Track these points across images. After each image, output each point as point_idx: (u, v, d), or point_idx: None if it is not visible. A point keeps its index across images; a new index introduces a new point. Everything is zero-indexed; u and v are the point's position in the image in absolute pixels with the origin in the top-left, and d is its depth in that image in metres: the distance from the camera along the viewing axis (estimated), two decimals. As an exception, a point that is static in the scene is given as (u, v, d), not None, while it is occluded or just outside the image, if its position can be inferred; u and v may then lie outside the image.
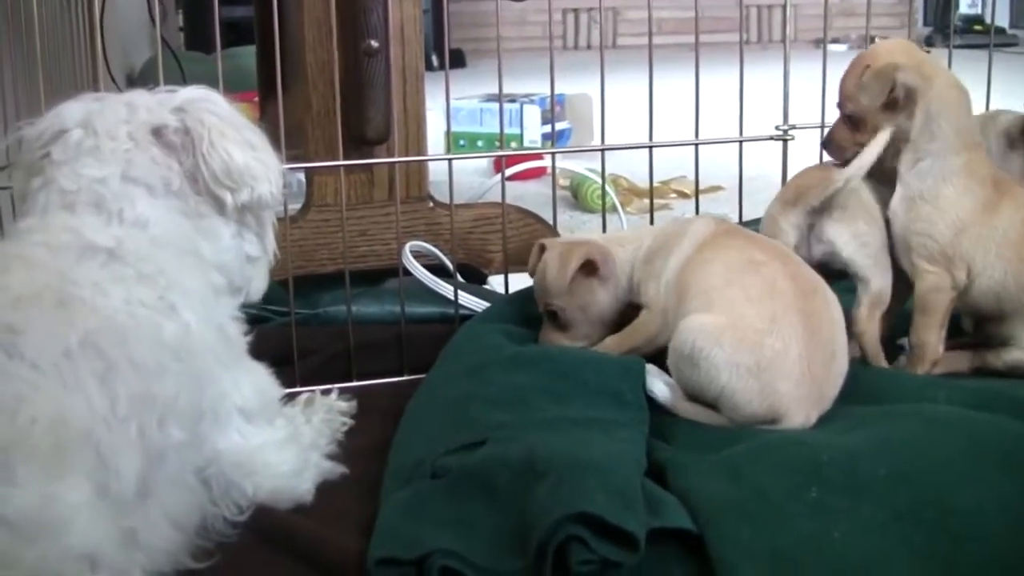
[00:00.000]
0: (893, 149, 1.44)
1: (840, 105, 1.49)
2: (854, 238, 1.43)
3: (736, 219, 1.80)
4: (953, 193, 1.43)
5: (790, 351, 1.24)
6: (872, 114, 1.45)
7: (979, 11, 6.96)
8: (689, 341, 1.27)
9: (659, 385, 1.30)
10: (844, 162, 1.46)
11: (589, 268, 1.45)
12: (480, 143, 3.38)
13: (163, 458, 1.04)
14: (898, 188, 1.45)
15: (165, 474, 1.05)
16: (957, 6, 7.00)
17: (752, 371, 1.23)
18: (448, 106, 1.66)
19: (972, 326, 1.53)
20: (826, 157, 1.54)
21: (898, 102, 1.42)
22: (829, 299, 1.31)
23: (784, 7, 1.92)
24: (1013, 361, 1.45)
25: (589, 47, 7.15)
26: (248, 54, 2.73)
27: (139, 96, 1.20)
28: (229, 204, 1.19)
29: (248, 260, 1.25)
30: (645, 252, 1.45)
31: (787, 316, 1.25)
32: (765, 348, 1.24)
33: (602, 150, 1.76)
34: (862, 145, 1.44)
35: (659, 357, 1.35)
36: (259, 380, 1.22)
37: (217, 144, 1.17)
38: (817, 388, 1.25)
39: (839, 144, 1.49)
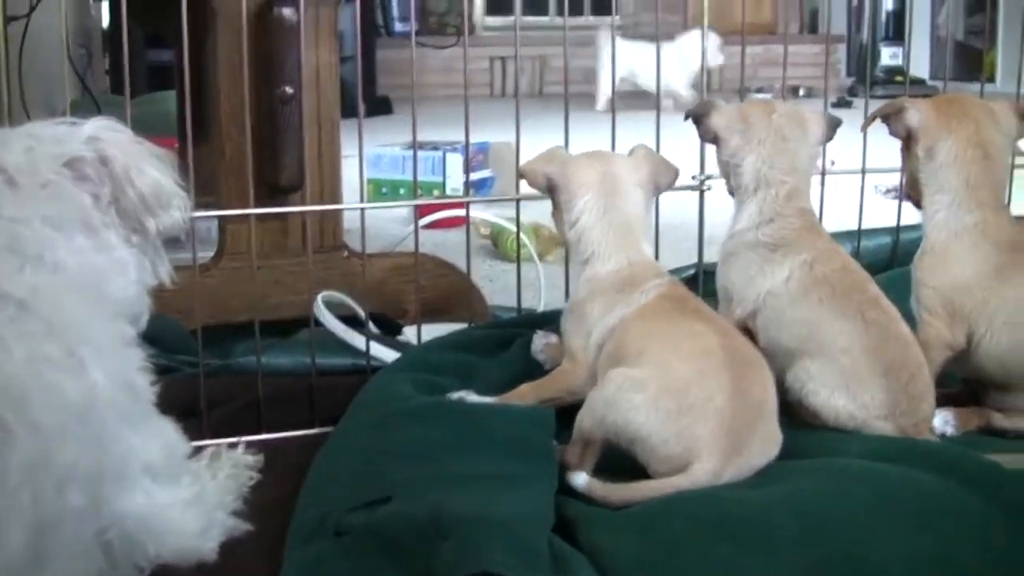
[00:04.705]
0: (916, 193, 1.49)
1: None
2: None
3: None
4: (961, 250, 1.42)
5: (714, 401, 1.22)
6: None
7: (900, 62, 7.09)
8: (612, 386, 1.25)
9: (578, 478, 1.23)
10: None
11: (531, 179, 1.49)
12: (403, 191, 3.37)
13: (59, 525, 1.00)
14: (923, 240, 1.47)
15: (61, 541, 1.00)
16: (878, 57, 7.12)
17: (671, 414, 1.21)
18: (361, 154, 1.64)
19: (980, 390, 1.48)
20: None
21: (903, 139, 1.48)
22: (766, 373, 1.29)
23: (703, 55, 1.94)
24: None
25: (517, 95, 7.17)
26: (174, 99, 2.70)
27: (41, 127, 1.15)
28: (152, 230, 1.16)
29: (145, 288, 1.22)
30: (603, 284, 1.42)
31: (716, 374, 1.24)
32: (689, 396, 1.22)
33: (517, 200, 1.75)
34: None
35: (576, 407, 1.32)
36: (167, 436, 1.18)
37: (144, 168, 1.15)
38: (737, 444, 1.21)
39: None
